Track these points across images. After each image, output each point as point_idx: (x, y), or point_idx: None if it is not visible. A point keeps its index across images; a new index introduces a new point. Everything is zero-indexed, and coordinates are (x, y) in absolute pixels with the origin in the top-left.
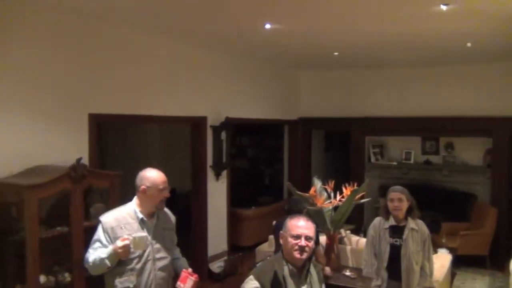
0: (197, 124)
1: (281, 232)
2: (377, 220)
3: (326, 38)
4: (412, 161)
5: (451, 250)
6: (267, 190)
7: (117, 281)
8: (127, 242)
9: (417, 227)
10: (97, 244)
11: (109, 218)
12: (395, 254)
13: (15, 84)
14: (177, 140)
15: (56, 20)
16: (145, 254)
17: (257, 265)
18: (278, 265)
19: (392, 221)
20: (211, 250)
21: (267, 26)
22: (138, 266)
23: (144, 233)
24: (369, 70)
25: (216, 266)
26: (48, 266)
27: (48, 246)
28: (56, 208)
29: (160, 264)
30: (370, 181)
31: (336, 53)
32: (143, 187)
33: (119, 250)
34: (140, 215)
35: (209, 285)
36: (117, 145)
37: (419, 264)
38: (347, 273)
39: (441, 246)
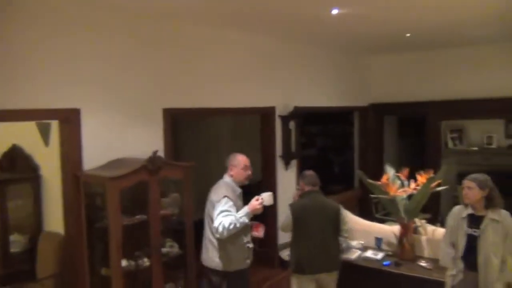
0: (266, 114)
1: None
2: (457, 208)
3: (397, 19)
4: (494, 146)
5: None
6: (337, 178)
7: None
8: (261, 200)
9: (499, 218)
10: (226, 213)
11: (228, 193)
12: (472, 244)
13: (97, 85)
14: (246, 131)
15: (130, 21)
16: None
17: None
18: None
19: (470, 210)
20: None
21: (334, 11)
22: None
23: (269, 192)
24: (445, 50)
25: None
26: (129, 252)
27: (129, 233)
28: (136, 197)
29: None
30: (448, 168)
31: (408, 34)
32: (230, 167)
33: (258, 206)
34: (239, 189)
35: (280, 272)
36: (190, 138)
37: (498, 257)
38: (423, 263)
39: None
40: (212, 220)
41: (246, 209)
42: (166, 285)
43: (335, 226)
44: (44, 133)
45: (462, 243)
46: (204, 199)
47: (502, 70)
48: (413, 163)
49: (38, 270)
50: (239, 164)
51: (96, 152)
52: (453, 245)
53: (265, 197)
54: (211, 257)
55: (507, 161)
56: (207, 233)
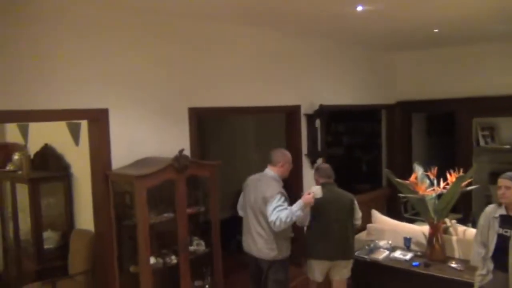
0: (291, 113)
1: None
2: (490, 207)
3: (424, 15)
4: None
5: None
6: (365, 177)
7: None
8: (312, 193)
9: None
10: (281, 207)
11: (280, 189)
12: (503, 245)
13: (124, 85)
14: (272, 129)
15: (155, 22)
16: None
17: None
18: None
19: (503, 210)
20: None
21: (359, 8)
22: None
23: (318, 186)
24: (474, 45)
25: None
26: (157, 249)
27: (157, 230)
28: (163, 195)
29: None
30: (479, 167)
31: (436, 30)
32: (281, 163)
33: (311, 200)
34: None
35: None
36: (216, 136)
37: None
38: (453, 264)
39: None
40: (262, 214)
41: (300, 202)
42: (194, 282)
43: (350, 215)
44: (74, 132)
45: (492, 243)
46: (230, 198)
47: None
48: (442, 161)
49: (70, 266)
50: (289, 160)
51: (124, 151)
52: (484, 245)
53: (316, 191)
54: (261, 248)
55: None
56: (255, 226)
